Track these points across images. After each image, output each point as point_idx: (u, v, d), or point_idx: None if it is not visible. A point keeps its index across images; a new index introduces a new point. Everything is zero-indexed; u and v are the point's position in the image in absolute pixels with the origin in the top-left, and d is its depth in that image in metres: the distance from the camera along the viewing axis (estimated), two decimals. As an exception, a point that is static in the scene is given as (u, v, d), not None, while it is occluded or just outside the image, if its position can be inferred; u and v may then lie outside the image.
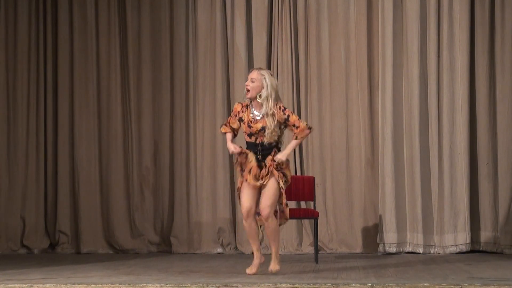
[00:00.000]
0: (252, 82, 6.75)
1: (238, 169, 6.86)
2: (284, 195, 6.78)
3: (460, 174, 8.91)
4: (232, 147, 6.76)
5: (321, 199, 9.19)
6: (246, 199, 6.76)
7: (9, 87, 9.69)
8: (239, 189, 6.85)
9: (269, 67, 9.35)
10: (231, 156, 9.42)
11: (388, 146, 9.02)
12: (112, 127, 9.63)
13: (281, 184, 6.70)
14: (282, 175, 6.73)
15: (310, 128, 6.81)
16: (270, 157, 6.72)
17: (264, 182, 6.70)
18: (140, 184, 9.59)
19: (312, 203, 8.57)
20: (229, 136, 6.86)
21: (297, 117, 6.79)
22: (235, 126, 6.86)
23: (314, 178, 8.48)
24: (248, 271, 6.83)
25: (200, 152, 9.47)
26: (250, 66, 9.43)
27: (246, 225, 6.84)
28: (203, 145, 9.48)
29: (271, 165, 6.69)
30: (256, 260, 6.85)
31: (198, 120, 9.51)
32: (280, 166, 6.73)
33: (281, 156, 6.70)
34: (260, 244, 7.01)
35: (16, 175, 9.61)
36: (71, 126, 9.64)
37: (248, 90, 6.75)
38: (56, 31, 9.71)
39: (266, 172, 6.70)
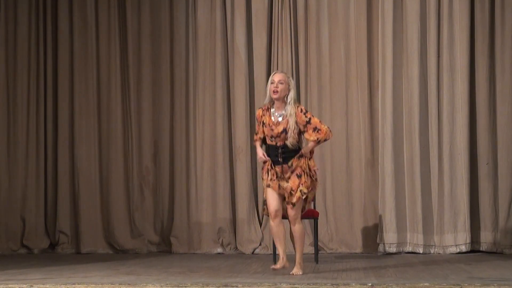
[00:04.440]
0: (281, 84, 6.81)
1: (264, 170, 6.93)
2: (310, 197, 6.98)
3: (460, 174, 8.90)
4: (260, 154, 6.90)
5: (321, 199, 9.19)
6: (272, 200, 6.83)
7: (9, 87, 9.69)
8: (265, 192, 6.93)
9: (269, 67, 9.36)
10: (231, 156, 9.44)
11: (388, 146, 9.02)
12: (112, 127, 9.63)
13: (304, 190, 6.81)
14: (307, 179, 6.82)
15: (331, 132, 6.90)
16: (295, 160, 6.81)
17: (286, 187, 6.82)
18: (140, 184, 9.59)
19: (312, 203, 8.56)
20: (257, 144, 7.00)
21: (319, 120, 6.89)
22: (261, 133, 6.97)
23: (314, 178, 8.48)
24: (275, 266, 6.84)
25: (200, 152, 9.47)
26: (250, 66, 9.45)
27: (274, 225, 6.84)
28: (203, 145, 9.48)
29: (298, 167, 6.81)
30: (282, 262, 6.79)
31: (198, 120, 9.51)
32: (306, 167, 6.82)
33: (304, 151, 6.81)
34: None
35: (16, 175, 9.61)
36: (71, 126, 9.64)
37: (276, 92, 6.80)
38: (56, 31, 9.71)
39: (290, 174, 6.81)
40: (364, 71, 9.25)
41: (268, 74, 9.14)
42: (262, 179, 6.97)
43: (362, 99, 9.26)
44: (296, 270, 6.82)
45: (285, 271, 6.81)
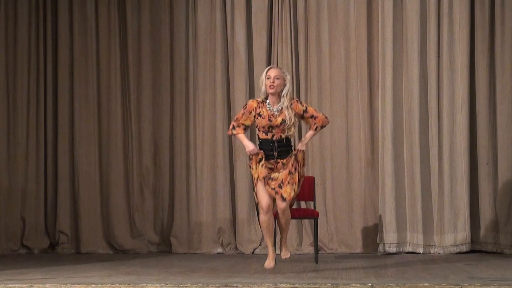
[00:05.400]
0: (277, 79, 6.91)
1: (252, 164, 6.99)
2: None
3: (460, 174, 8.91)
4: (252, 147, 6.93)
5: (321, 199, 9.19)
6: (263, 195, 6.90)
7: (9, 87, 9.69)
8: (255, 184, 6.97)
9: (269, 67, 9.35)
10: (231, 156, 9.43)
11: (388, 146, 9.02)
12: (112, 127, 9.63)
13: (296, 189, 6.92)
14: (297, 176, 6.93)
15: (327, 118, 7.09)
16: (289, 158, 6.90)
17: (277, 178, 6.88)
18: (140, 184, 9.59)
19: (312, 203, 8.57)
20: (243, 135, 7.03)
21: (314, 109, 7.08)
22: (248, 122, 7.02)
23: (314, 178, 8.49)
24: (267, 265, 6.92)
25: (200, 152, 9.47)
26: (250, 66, 9.45)
27: (265, 219, 6.94)
28: (203, 145, 9.48)
29: (292, 164, 6.90)
30: (272, 254, 6.94)
31: (198, 120, 9.51)
32: (299, 161, 6.94)
33: (301, 146, 6.96)
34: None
35: (16, 175, 9.61)
36: (71, 126, 9.64)
37: (272, 87, 6.89)
38: (56, 31, 9.72)
39: (282, 168, 6.90)
40: (364, 71, 9.26)
41: (268, 74, 9.16)
42: (251, 168, 6.99)
43: (362, 99, 9.26)
44: (285, 253, 6.98)
45: (276, 269, 6.96)
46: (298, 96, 9.33)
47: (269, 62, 9.40)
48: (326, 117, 7.07)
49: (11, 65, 9.70)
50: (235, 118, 7.08)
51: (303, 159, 7.00)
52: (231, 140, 9.45)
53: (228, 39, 9.49)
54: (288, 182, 6.85)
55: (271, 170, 6.91)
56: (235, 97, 9.44)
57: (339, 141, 9.28)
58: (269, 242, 7.00)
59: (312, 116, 6.98)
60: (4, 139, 9.62)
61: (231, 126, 7.07)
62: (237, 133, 7.02)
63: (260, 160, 6.90)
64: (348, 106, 9.30)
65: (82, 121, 9.64)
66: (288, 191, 6.85)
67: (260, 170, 6.88)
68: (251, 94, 9.39)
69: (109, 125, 9.64)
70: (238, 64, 9.46)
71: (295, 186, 6.89)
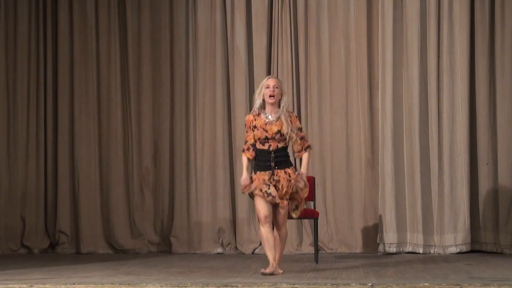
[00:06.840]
0: (276, 88, 6.94)
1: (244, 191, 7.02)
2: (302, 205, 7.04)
3: (460, 174, 8.90)
4: (245, 182, 6.90)
5: (321, 199, 9.19)
6: (262, 207, 6.85)
7: (9, 87, 9.69)
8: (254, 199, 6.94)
9: (269, 67, 9.36)
10: (231, 156, 9.44)
11: (388, 146, 9.02)
12: (112, 127, 9.63)
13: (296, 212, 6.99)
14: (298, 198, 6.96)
15: (310, 146, 7.07)
16: (285, 175, 6.86)
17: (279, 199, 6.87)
18: (140, 184, 9.59)
19: (312, 203, 8.57)
20: (245, 162, 6.98)
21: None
22: (251, 139, 6.97)
23: (314, 178, 8.49)
24: (263, 270, 6.82)
25: (200, 152, 9.47)
26: (250, 66, 9.45)
27: (264, 231, 6.85)
28: (203, 145, 9.48)
29: (288, 186, 6.87)
30: (272, 268, 6.79)
31: (198, 120, 9.51)
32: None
33: (302, 182, 6.89)
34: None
35: (16, 175, 9.61)
36: (71, 126, 9.64)
37: (272, 96, 6.91)
38: (56, 31, 9.72)
39: (283, 192, 6.87)
40: (364, 71, 9.26)
41: (268, 74, 9.16)
42: (244, 192, 7.00)
43: (362, 99, 9.26)
44: (278, 270, 6.83)
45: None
46: (298, 96, 9.34)
47: (269, 62, 9.40)
48: (310, 145, 7.03)
49: (11, 65, 9.70)
50: (244, 142, 7.05)
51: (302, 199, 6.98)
52: (231, 140, 9.46)
53: (228, 39, 9.50)
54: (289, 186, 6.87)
55: (267, 185, 6.84)
56: (235, 97, 9.45)
57: (339, 141, 9.28)
58: (269, 254, 6.82)
59: (302, 138, 6.96)
60: (4, 139, 9.63)
61: (243, 147, 7.04)
62: (245, 157, 7.00)
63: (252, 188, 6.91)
64: (348, 106, 9.30)
65: (82, 121, 9.64)
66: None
67: (256, 185, 6.87)
68: (251, 94, 9.35)
69: (109, 125, 9.64)
70: (238, 64, 9.46)
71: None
